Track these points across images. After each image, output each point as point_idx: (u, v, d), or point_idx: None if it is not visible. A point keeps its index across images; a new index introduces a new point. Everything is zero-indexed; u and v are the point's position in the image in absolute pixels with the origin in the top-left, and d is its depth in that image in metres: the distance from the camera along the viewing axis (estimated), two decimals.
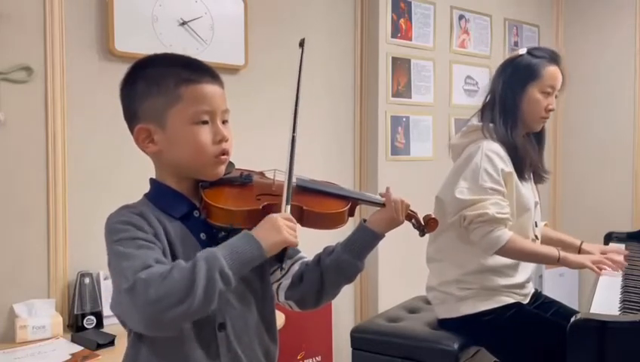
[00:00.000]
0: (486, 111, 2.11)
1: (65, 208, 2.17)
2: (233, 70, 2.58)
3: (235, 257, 1.03)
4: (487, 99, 2.13)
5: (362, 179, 3.11)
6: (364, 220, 1.26)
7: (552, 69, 2.05)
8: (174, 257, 1.12)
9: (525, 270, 2.10)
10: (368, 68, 3.10)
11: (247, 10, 2.61)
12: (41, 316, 2.01)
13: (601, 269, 1.97)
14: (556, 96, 2.09)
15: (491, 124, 2.05)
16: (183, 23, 2.41)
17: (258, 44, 2.67)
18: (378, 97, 3.06)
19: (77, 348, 1.91)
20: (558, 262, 1.99)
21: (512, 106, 2.04)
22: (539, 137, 2.18)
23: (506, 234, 1.94)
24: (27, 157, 2.10)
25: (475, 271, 2.04)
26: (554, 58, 2.08)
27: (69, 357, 1.85)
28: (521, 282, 2.08)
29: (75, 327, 2.09)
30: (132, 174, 2.25)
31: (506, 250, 1.95)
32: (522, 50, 2.10)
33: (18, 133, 2.08)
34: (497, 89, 2.08)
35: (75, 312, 2.10)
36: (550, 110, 2.07)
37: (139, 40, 2.29)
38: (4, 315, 2.04)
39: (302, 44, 1.26)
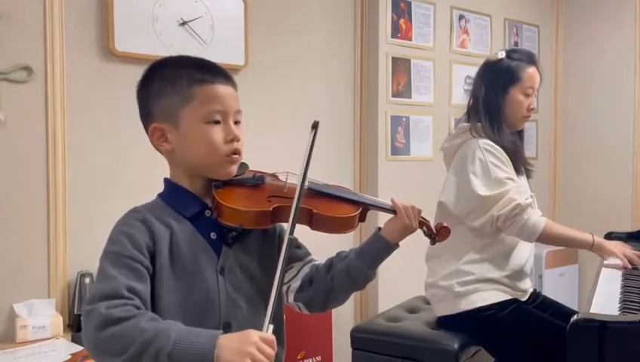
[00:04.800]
0: (471, 113, 2.18)
1: (65, 208, 2.17)
2: (233, 70, 2.57)
3: (186, 347, 0.98)
4: (471, 103, 2.20)
5: (362, 179, 3.11)
6: (379, 228, 1.26)
7: (530, 71, 2.13)
8: (179, 257, 1.13)
9: (518, 258, 2.11)
10: (368, 68, 3.10)
11: (247, 10, 2.61)
12: (41, 316, 2.01)
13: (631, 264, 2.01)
14: (535, 95, 2.18)
15: (479, 124, 2.11)
16: (183, 23, 2.41)
17: (258, 44, 2.67)
18: (378, 97, 3.06)
19: (77, 348, 1.91)
20: (592, 247, 2.05)
21: (495, 109, 2.11)
22: (520, 133, 2.26)
23: (541, 218, 2.01)
24: (27, 157, 2.11)
25: (472, 261, 2.07)
26: (531, 59, 2.16)
27: (69, 357, 1.85)
28: (516, 271, 2.09)
29: (75, 327, 2.09)
30: (132, 174, 2.26)
31: (544, 235, 2.00)
32: (501, 54, 2.16)
33: (18, 133, 2.08)
34: (480, 93, 2.15)
35: (75, 312, 2.10)
36: (531, 109, 2.15)
37: (139, 40, 2.29)
38: (4, 315, 2.04)
39: (315, 126, 1.20)
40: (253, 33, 2.65)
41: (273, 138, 2.69)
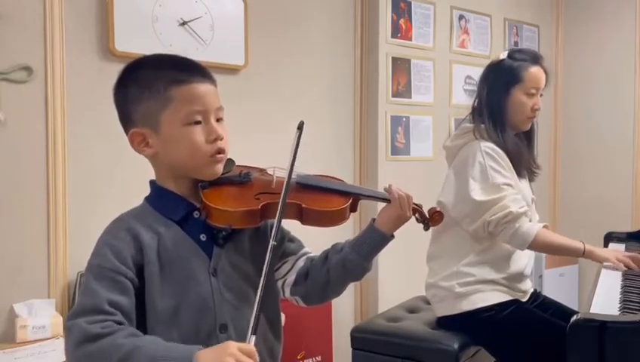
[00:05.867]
0: (476, 114, 2.16)
1: (65, 208, 2.17)
2: (233, 70, 2.58)
3: None
4: (475, 103, 2.18)
5: (362, 179, 3.11)
6: (374, 220, 1.25)
7: (533, 71, 2.09)
8: (169, 263, 1.12)
9: (518, 262, 2.11)
10: (368, 68, 3.10)
11: (247, 10, 2.61)
12: (41, 316, 2.01)
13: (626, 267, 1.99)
14: (541, 95, 2.13)
15: (482, 125, 2.09)
16: (183, 23, 2.41)
17: (258, 44, 2.67)
18: (378, 97, 3.06)
19: None
20: (583, 255, 2.04)
21: (498, 110, 2.09)
22: (528, 135, 2.22)
23: (533, 227, 1.99)
24: (27, 157, 2.10)
25: (472, 263, 2.06)
26: (535, 58, 2.12)
27: None
28: (515, 274, 2.09)
29: None
30: (132, 174, 2.25)
31: (535, 244, 1.99)
32: (503, 55, 2.14)
33: (18, 133, 2.08)
34: (482, 94, 2.13)
35: None
36: (536, 110, 2.11)
37: (139, 40, 2.29)
38: (4, 315, 2.04)
39: (300, 127, 1.17)
40: (253, 33, 2.65)
41: (273, 138, 2.68)
